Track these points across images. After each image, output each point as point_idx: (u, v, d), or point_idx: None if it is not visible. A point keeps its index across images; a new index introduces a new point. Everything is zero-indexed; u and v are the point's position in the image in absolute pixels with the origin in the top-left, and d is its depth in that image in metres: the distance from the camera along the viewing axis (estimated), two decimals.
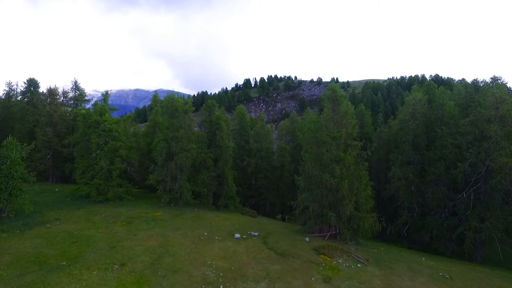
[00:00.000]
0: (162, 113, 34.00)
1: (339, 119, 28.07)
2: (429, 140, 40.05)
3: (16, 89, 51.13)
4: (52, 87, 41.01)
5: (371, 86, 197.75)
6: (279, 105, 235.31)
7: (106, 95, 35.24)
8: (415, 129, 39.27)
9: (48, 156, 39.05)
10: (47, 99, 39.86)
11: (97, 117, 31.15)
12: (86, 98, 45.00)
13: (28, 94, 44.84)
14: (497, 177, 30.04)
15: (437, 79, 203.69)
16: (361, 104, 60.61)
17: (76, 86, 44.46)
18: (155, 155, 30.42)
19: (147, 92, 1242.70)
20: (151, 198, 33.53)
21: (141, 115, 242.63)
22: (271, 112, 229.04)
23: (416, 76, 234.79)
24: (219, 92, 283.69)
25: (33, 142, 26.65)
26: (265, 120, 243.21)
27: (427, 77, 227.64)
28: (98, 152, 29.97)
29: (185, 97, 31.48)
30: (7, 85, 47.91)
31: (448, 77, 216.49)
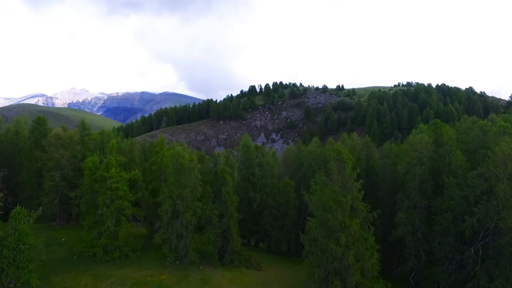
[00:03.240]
0: (167, 164, 33.93)
1: (344, 182, 27.93)
2: (436, 186, 39.60)
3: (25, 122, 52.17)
4: (60, 131, 41.40)
5: (377, 96, 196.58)
6: (284, 113, 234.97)
7: (112, 146, 35.18)
8: (421, 175, 38.82)
9: (56, 201, 39.52)
10: (55, 143, 40.13)
11: (103, 172, 31.40)
12: (92, 136, 45.31)
13: (36, 133, 45.35)
14: (507, 237, 29.68)
15: (443, 89, 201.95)
16: (367, 136, 60.32)
17: (83, 126, 44.92)
18: (160, 213, 30.57)
19: (153, 95, 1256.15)
20: (156, 252, 33.30)
21: (147, 123, 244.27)
22: (276, 120, 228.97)
23: (422, 85, 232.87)
24: (224, 99, 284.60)
25: (40, 208, 26.98)
26: (270, 129, 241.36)
27: (433, 85, 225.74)
28: (104, 209, 30.20)
29: (191, 153, 31.51)
30: (15, 122, 48.53)
31: (454, 86, 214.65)
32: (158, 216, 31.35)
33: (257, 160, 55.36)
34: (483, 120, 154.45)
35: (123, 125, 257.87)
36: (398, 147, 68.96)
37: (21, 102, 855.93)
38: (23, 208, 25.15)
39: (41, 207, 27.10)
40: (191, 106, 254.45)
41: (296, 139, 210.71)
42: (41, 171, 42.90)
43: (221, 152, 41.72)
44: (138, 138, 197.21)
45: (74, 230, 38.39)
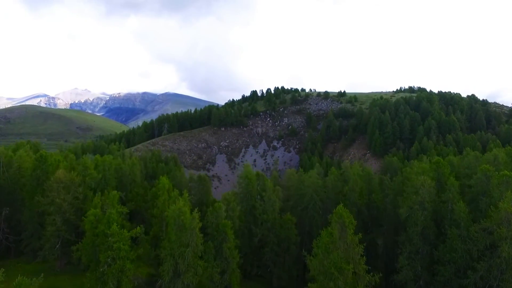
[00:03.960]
0: (168, 215, 33.67)
1: (346, 247, 27.79)
2: (439, 232, 39.38)
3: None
4: (61, 174, 41.28)
5: (379, 104, 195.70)
6: (285, 120, 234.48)
7: (114, 197, 35.02)
8: (424, 221, 38.63)
9: (58, 246, 39.55)
10: (57, 188, 40.11)
11: (104, 227, 31.30)
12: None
13: (38, 171, 45.33)
14: None
15: (445, 97, 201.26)
16: (369, 168, 59.96)
17: (84, 165, 44.96)
18: (162, 272, 30.47)
19: (155, 95, 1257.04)
20: None
21: (149, 129, 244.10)
22: (278, 127, 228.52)
23: (424, 90, 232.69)
24: (226, 104, 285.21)
25: (42, 275, 26.97)
26: (272, 136, 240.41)
27: (435, 89, 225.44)
28: (105, 267, 30.14)
29: (193, 212, 31.29)
30: (17, 158, 48.66)
31: (456, 93, 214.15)
32: (159, 273, 31.33)
33: (258, 188, 55.29)
34: (485, 132, 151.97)
35: (125, 132, 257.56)
36: (400, 172, 68.60)
37: (24, 103, 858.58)
38: (24, 278, 25.06)
39: (42, 274, 27.10)
40: (192, 111, 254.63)
41: (297, 147, 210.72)
42: (43, 214, 42.85)
43: (222, 202, 41.67)
44: (139, 146, 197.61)
45: (76, 275, 38.42)
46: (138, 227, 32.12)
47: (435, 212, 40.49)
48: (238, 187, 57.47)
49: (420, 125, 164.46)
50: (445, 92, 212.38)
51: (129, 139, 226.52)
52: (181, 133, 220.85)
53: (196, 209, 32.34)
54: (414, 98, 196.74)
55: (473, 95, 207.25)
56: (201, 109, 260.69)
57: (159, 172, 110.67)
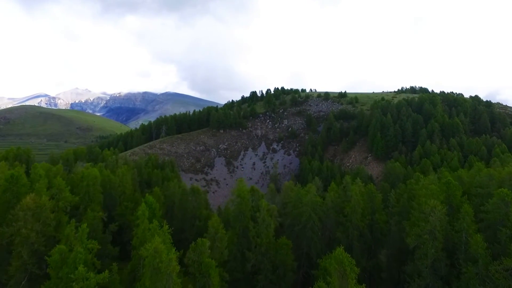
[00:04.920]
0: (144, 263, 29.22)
1: None
2: (451, 263, 35.21)
3: None
4: (29, 200, 36.94)
5: (380, 106, 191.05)
6: (285, 121, 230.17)
7: (82, 232, 30.55)
8: (434, 253, 34.44)
9: (23, 282, 35.43)
10: (23, 216, 35.90)
11: (70, 270, 27.00)
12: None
13: (8, 194, 41.14)
14: None
15: (448, 98, 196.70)
16: (371, 183, 55.65)
17: (59, 187, 40.80)
18: None
19: (155, 95, 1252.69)
20: None
21: (147, 131, 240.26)
22: (277, 129, 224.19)
23: (426, 90, 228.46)
24: (225, 105, 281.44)
25: None
26: (271, 138, 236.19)
27: (437, 88, 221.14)
28: None
29: (170, 254, 27.13)
30: None
31: (459, 94, 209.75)
32: None
33: (253, 203, 51.28)
34: (490, 136, 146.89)
35: (122, 134, 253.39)
36: (404, 183, 64.28)
37: (24, 103, 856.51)
38: None
39: None
40: (191, 113, 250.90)
41: (297, 149, 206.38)
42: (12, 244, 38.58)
43: (209, 229, 37.80)
44: (136, 149, 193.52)
45: None
46: (106, 270, 27.96)
47: (447, 240, 36.30)
48: (231, 204, 53.46)
49: (423, 128, 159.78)
50: (447, 93, 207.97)
51: (126, 141, 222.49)
52: (179, 135, 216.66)
53: (173, 250, 28.22)
54: (417, 99, 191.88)
55: (476, 96, 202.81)
56: (199, 110, 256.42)
57: (154, 179, 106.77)
